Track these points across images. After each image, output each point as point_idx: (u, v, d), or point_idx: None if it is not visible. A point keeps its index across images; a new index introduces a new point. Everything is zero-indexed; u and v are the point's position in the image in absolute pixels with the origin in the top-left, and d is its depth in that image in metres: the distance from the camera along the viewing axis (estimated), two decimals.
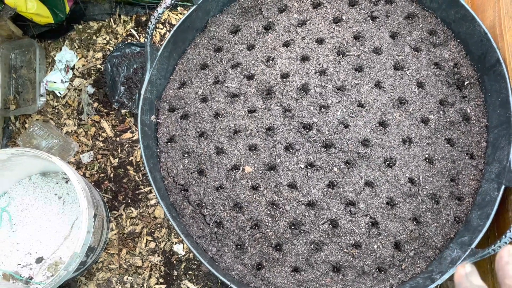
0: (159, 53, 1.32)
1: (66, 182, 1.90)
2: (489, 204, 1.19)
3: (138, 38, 2.08)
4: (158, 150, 1.37)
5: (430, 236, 1.25)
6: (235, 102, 1.38)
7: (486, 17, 1.36)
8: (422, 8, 1.41)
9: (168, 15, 2.10)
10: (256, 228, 1.29)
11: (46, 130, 1.94)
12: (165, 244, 1.88)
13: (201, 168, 1.34)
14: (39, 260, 1.79)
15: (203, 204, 1.31)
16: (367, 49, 1.37)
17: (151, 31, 1.26)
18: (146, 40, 1.26)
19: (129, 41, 2.07)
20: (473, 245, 1.14)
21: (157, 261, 1.86)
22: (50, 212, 1.86)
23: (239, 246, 1.29)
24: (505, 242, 1.06)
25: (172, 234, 1.89)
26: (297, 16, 1.44)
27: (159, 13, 1.23)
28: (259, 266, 1.27)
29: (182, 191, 1.33)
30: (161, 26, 2.09)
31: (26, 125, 2.05)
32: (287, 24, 1.43)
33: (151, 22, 1.24)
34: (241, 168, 1.31)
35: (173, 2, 1.23)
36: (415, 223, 1.26)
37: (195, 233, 1.28)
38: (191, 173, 1.34)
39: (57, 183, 1.91)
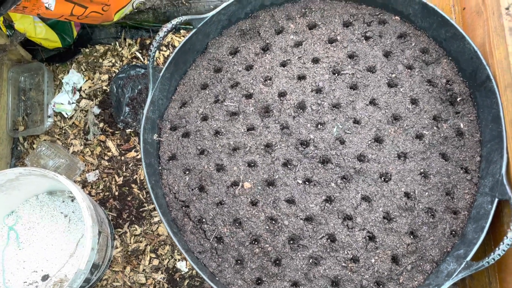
0: (161, 74, 1.38)
1: (72, 200, 1.95)
2: (483, 217, 1.21)
3: (142, 60, 2.15)
4: (160, 168, 1.42)
5: (427, 250, 1.27)
6: (235, 120, 1.42)
7: (477, 36, 1.40)
8: (414, 27, 1.46)
9: (172, 38, 2.17)
10: (256, 243, 1.31)
11: (53, 150, 1.99)
12: (168, 261, 1.91)
13: (201, 185, 1.38)
14: (45, 277, 1.82)
15: (204, 220, 1.34)
16: (361, 67, 1.42)
17: (153, 54, 1.31)
18: (148, 62, 1.32)
19: (134, 63, 2.14)
20: (468, 258, 1.15)
21: (161, 278, 1.88)
22: (56, 230, 1.90)
23: (239, 261, 1.31)
24: (499, 255, 1.08)
25: (175, 251, 1.91)
26: (294, 37, 1.49)
27: (160, 37, 1.29)
28: (259, 281, 1.30)
29: (183, 207, 1.37)
30: (164, 49, 2.17)
31: (34, 146, 2.11)
32: (284, 45, 1.48)
33: (153, 45, 1.30)
34: (240, 184, 1.35)
35: (173, 26, 1.29)
36: (412, 237, 1.28)
37: (195, 249, 1.31)
38: (192, 189, 1.38)
39: (63, 201, 1.95)
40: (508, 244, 1.07)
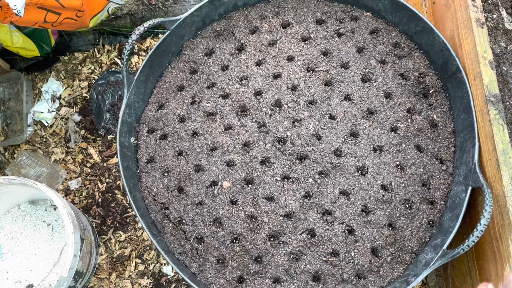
0: (135, 77, 1.38)
1: (55, 209, 1.93)
2: (459, 205, 1.23)
3: (121, 66, 2.15)
4: (138, 171, 1.41)
5: (405, 241, 1.28)
6: (212, 121, 1.43)
7: (446, 28, 1.43)
8: (386, 23, 1.48)
9: (150, 42, 2.17)
10: (236, 241, 1.31)
11: (34, 159, 1.98)
12: (154, 266, 1.90)
13: (180, 186, 1.38)
14: (29, 287, 1.80)
15: (184, 221, 1.34)
16: (335, 64, 1.44)
17: (126, 57, 1.32)
18: (122, 65, 1.32)
19: (113, 69, 2.14)
20: (445, 246, 1.17)
21: (147, 283, 1.88)
22: (39, 240, 1.88)
23: (220, 261, 1.31)
24: (473, 241, 1.09)
25: (161, 255, 1.90)
26: (268, 36, 1.50)
27: (133, 40, 1.30)
28: (241, 279, 1.30)
29: (163, 209, 1.37)
30: (143, 54, 2.17)
31: (15, 155, 2.10)
32: (259, 45, 1.49)
33: (126, 48, 1.30)
34: (219, 183, 1.35)
35: (145, 29, 1.30)
36: (390, 228, 1.30)
37: (176, 250, 1.31)
38: (171, 191, 1.38)
39: (46, 210, 1.93)
40: (481, 231, 1.09)
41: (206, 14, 1.49)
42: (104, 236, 1.95)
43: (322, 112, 1.39)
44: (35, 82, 2.20)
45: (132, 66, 2.15)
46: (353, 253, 1.27)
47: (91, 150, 2.07)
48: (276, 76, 1.45)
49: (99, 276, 1.90)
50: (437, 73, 1.41)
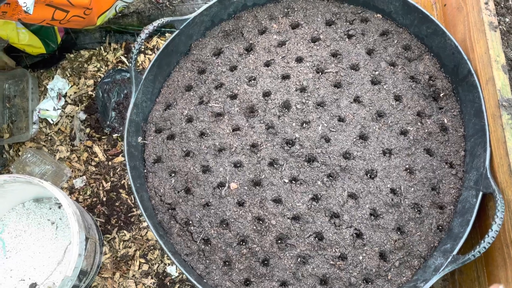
0: (143, 76, 1.37)
1: (59, 207, 1.92)
2: (469, 211, 1.22)
3: (128, 64, 2.14)
4: (145, 171, 1.41)
5: (414, 245, 1.27)
6: (220, 121, 1.42)
7: (458, 31, 1.41)
8: (396, 25, 1.47)
9: (157, 41, 2.16)
10: (243, 243, 1.30)
11: (39, 157, 1.97)
12: (158, 266, 1.89)
13: (187, 187, 1.37)
14: (33, 286, 1.80)
15: (190, 222, 1.33)
16: (344, 65, 1.42)
17: (135, 56, 1.31)
18: (130, 64, 1.31)
19: (119, 67, 2.13)
20: (455, 252, 1.16)
21: (151, 283, 1.87)
22: (43, 238, 1.87)
23: (226, 263, 1.30)
24: (484, 248, 1.08)
25: (165, 255, 1.89)
26: (277, 37, 1.49)
27: (142, 39, 1.29)
28: (247, 282, 1.29)
29: (169, 210, 1.36)
30: (150, 52, 2.16)
31: (20, 153, 2.09)
32: (267, 45, 1.48)
33: (135, 47, 1.29)
34: (226, 185, 1.34)
35: (155, 28, 1.29)
36: (399, 233, 1.28)
37: (182, 251, 1.30)
38: (178, 192, 1.37)
39: (50, 208, 1.93)
40: (493, 237, 1.08)
41: (215, 13, 1.48)
42: (108, 235, 1.94)
43: (331, 114, 1.38)
44: (41, 80, 2.20)
45: (138, 65, 2.14)
46: (361, 257, 1.26)
47: (96, 149, 2.07)
48: (285, 77, 1.44)
49: (103, 276, 1.89)
50: (448, 76, 1.40)
